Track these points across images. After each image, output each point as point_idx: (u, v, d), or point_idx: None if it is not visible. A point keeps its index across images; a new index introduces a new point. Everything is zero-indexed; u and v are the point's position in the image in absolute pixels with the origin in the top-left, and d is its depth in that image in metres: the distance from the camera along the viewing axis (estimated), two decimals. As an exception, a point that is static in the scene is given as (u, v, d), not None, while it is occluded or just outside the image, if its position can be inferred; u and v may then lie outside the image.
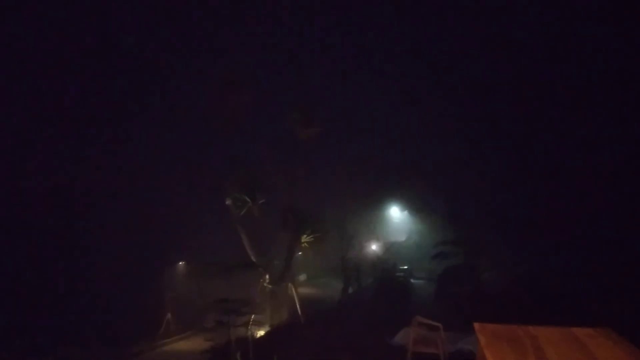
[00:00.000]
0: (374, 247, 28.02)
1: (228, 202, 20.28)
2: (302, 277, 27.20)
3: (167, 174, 25.47)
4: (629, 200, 16.46)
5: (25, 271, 20.72)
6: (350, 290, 23.84)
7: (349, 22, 27.06)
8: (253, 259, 20.17)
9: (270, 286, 20.16)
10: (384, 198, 30.10)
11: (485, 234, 19.24)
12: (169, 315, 21.18)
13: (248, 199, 20.24)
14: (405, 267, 23.21)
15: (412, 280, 22.13)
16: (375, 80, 27.64)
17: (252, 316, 18.64)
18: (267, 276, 20.32)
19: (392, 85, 26.80)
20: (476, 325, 3.21)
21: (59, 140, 25.78)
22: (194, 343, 18.68)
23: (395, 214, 33.32)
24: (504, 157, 23.17)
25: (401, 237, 31.06)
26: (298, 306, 19.53)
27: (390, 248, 28.55)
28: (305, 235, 20.95)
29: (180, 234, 24.59)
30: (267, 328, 18.74)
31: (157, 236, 24.14)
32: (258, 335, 16.60)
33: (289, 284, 20.62)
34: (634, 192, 16.41)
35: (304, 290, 23.07)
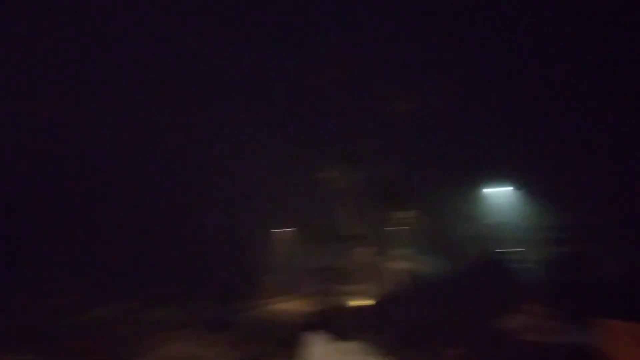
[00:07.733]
0: (468, 227, 27.02)
1: (325, 173, 20.91)
2: (399, 251, 27.18)
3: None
4: None
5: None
6: (446, 268, 23.47)
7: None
8: (349, 231, 20.70)
9: (367, 259, 20.60)
10: (482, 174, 28.58)
11: (606, 220, 17.52)
12: (270, 277, 22.53)
13: (345, 172, 20.75)
14: (509, 249, 22.18)
15: (514, 266, 21.12)
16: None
17: (350, 286, 19.37)
18: (364, 249, 20.76)
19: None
20: (598, 320, 3.15)
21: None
22: (293, 306, 19.76)
23: (495, 192, 31.43)
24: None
25: (501, 218, 29.52)
26: (395, 281, 19.76)
27: (488, 229, 27.34)
28: (402, 211, 21.00)
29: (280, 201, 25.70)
30: (364, 300, 19.25)
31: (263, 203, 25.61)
32: (354, 305, 17.16)
33: (386, 257, 20.92)
34: None
35: (402, 265, 23.09)
